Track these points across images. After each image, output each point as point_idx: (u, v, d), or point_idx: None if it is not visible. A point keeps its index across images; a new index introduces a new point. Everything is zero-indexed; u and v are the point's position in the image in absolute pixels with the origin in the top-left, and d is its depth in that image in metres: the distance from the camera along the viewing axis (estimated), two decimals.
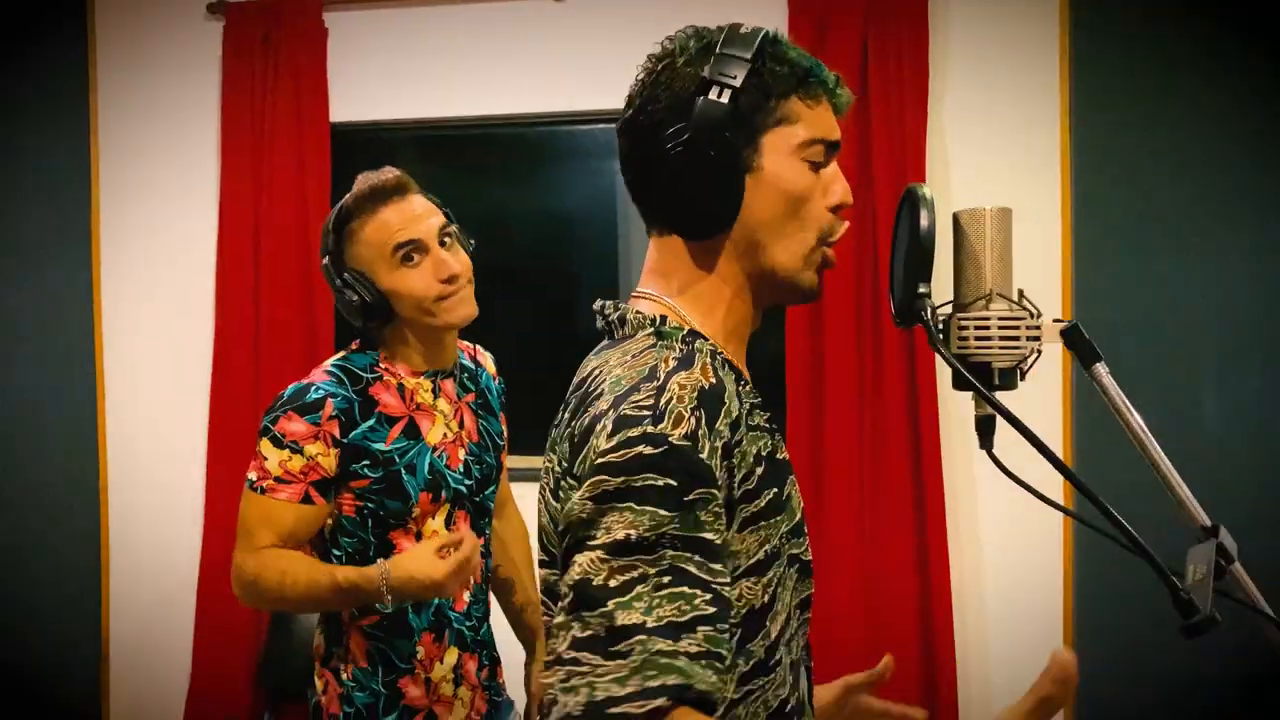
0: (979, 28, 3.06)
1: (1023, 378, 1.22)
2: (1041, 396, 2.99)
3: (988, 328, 1.17)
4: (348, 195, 1.93)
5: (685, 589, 0.94)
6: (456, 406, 1.99)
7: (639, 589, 0.93)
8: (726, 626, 0.95)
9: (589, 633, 0.93)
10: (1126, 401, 1.23)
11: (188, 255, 3.44)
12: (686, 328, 1.15)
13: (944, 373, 2.84)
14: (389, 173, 1.93)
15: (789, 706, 1.12)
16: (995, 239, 1.19)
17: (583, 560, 0.96)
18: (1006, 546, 3.07)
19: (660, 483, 0.96)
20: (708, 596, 0.94)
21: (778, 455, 1.14)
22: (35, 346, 3.55)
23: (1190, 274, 2.99)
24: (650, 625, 0.91)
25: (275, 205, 3.29)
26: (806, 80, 1.17)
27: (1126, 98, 3.01)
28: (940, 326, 1.19)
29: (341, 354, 1.99)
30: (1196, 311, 2.98)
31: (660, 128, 1.13)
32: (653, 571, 0.94)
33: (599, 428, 1.01)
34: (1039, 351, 1.20)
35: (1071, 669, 1.06)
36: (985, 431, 1.22)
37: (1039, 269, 3.03)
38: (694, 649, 0.91)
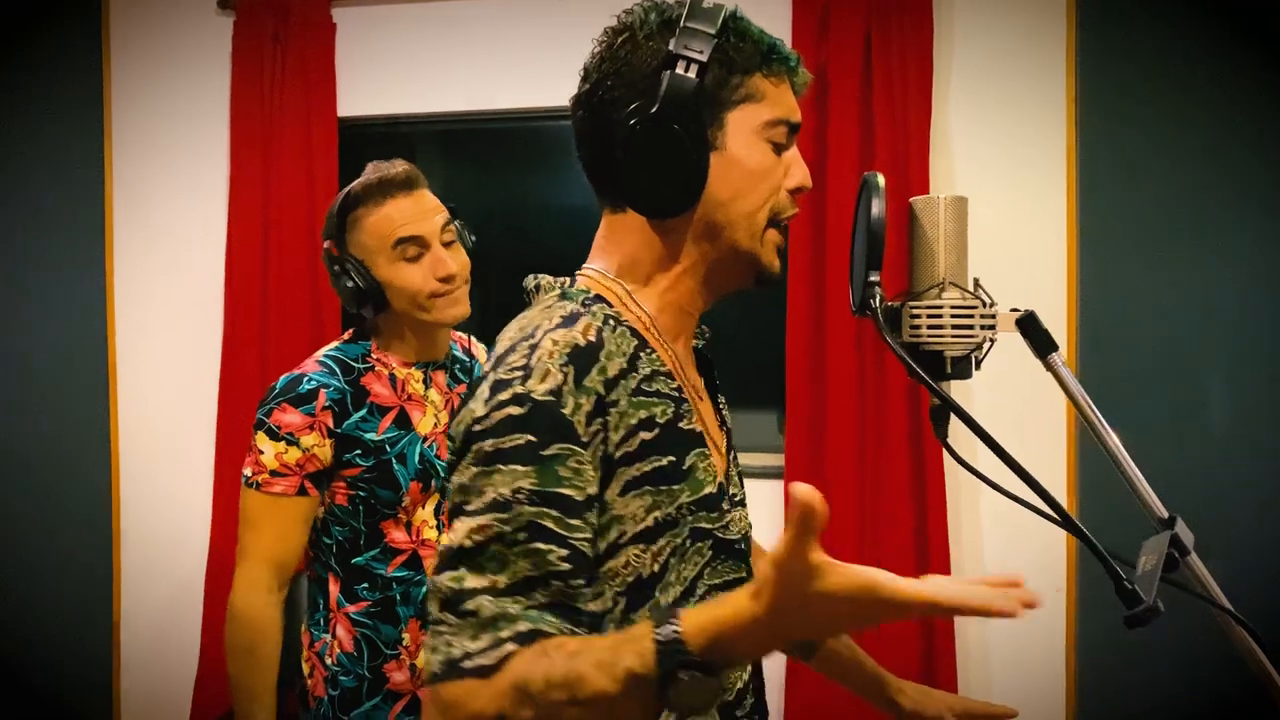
0: (984, 19, 3.04)
1: (978, 367, 1.22)
2: (1047, 390, 2.97)
3: (940, 316, 1.17)
4: (356, 182, 1.95)
5: (540, 545, 0.96)
6: (447, 397, 2.00)
7: (494, 548, 0.96)
8: (582, 582, 0.98)
9: (443, 595, 0.96)
10: (1083, 392, 1.22)
11: (198, 248, 3.47)
12: (594, 291, 1.14)
13: None
14: (399, 165, 1.95)
15: None
16: (949, 227, 1.19)
17: (455, 526, 0.99)
18: (1009, 547, 3.05)
19: (523, 440, 0.98)
20: (564, 553, 0.97)
21: (681, 424, 1.11)
22: (48, 338, 3.60)
23: (1198, 270, 2.95)
24: (503, 584, 0.95)
25: (284, 198, 3.32)
26: (769, 57, 1.15)
27: (1134, 91, 2.97)
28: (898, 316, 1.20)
29: (335, 344, 2.00)
30: (1204, 307, 2.94)
31: (620, 104, 1.12)
32: (509, 529, 0.96)
33: (478, 392, 1.03)
34: (993, 340, 1.20)
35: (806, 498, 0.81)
36: (940, 421, 1.22)
37: (1045, 264, 3.00)
38: (544, 599, 0.95)
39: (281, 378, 1.92)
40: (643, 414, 1.06)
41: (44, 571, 3.62)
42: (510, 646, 0.92)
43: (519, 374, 1.01)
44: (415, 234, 1.89)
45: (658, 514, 1.06)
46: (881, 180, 1.17)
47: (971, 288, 1.20)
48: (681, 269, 1.17)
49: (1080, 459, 2.96)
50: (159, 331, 3.53)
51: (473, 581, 0.96)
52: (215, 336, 3.41)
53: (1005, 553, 3.05)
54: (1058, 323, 2.97)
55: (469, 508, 0.98)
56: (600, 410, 1.02)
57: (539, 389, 0.99)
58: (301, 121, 3.32)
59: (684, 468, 1.09)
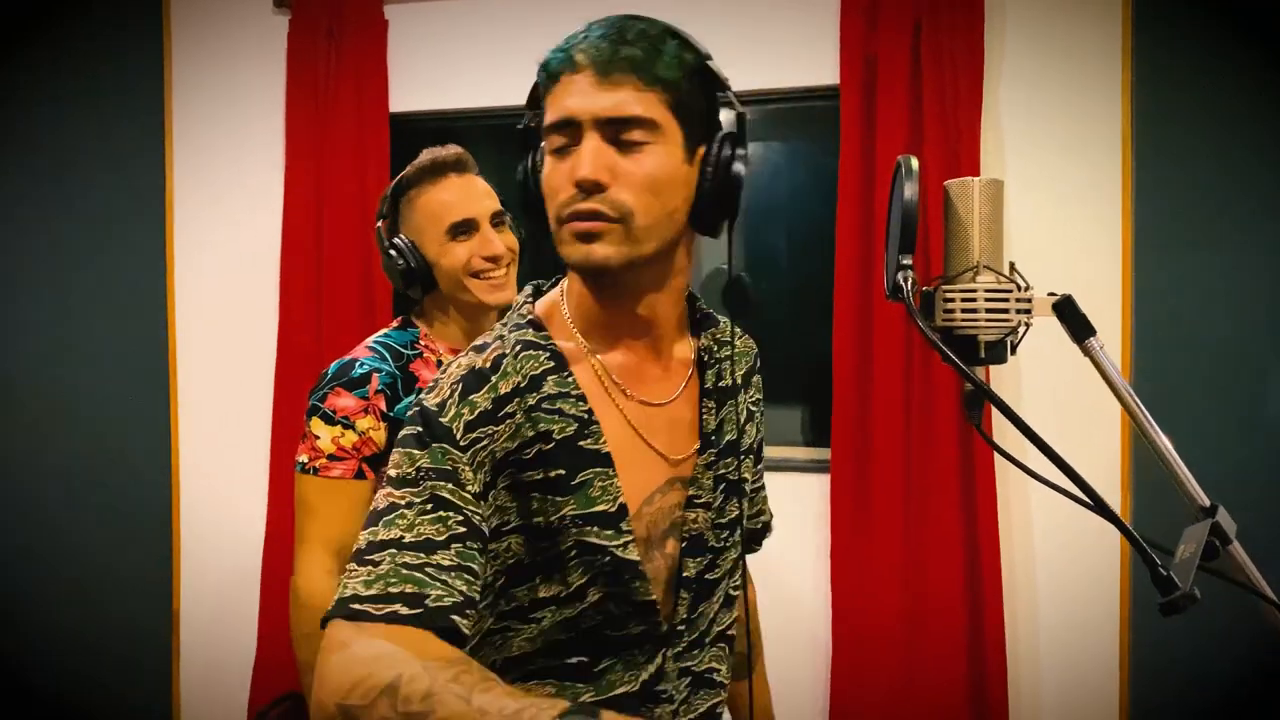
0: (1037, 5, 2.99)
1: (1013, 351, 1.20)
2: (1098, 380, 2.92)
3: (974, 300, 1.16)
4: (410, 165, 1.99)
5: (442, 512, 1.10)
6: None
7: (404, 511, 1.09)
8: (478, 545, 1.10)
9: (358, 548, 1.09)
10: (1122, 379, 1.20)
11: (254, 242, 3.54)
12: (530, 315, 1.25)
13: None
14: (452, 149, 1.99)
15: (531, 665, 1.21)
16: (984, 210, 1.18)
17: (378, 495, 1.15)
18: (1061, 541, 3.00)
19: (414, 431, 1.14)
20: (460, 518, 1.10)
21: (582, 443, 1.19)
22: (109, 334, 3.68)
23: (1253, 261, 2.88)
24: (406, 541, 1.07)
25: (337, 193, 3.36)
26: (544, 72, 1.20)
27: (1191, 79, 2.91)
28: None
29: (384, 331, 2.03)
30: (1260, 298, 2.87)
31: None
32: (418, 500, 1.10)
33: None
34: (1028, 324, 1.18)
35: None
36: (972, 406, 1.21)
37: (1100, 255, 2.95)
38: (448, 562, 1.07)
39: (332, 364, 1.95)
40: (541, 428, 1.17)
41: (104, 560, 3.71)
42: (398, 607, 1.02)
43: (433, 388, 1.18)
44: (467, 217, 1.93)
45: (540, 519, 1.17)
46: (915, 163, 1.16)
47: (1007, 271, 1.18)
48: (567, 277, 1.28)
49: (1135, 448, 2.91)
50: (216, 324, 3.60)
51: (382, 535, 1.08)
52: (271, 329, 3.47)
53: (1057, 547, 3.00)
54: (1112, 313, 2.92)
55: (389, 480, 1.13)
56: (486, 420, 1.14)
57: (430, 400, 1.16)
58: (354, 117, 3.35)
59: (574, 483, 1.18)
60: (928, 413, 2.97)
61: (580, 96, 1.14)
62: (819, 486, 3.12)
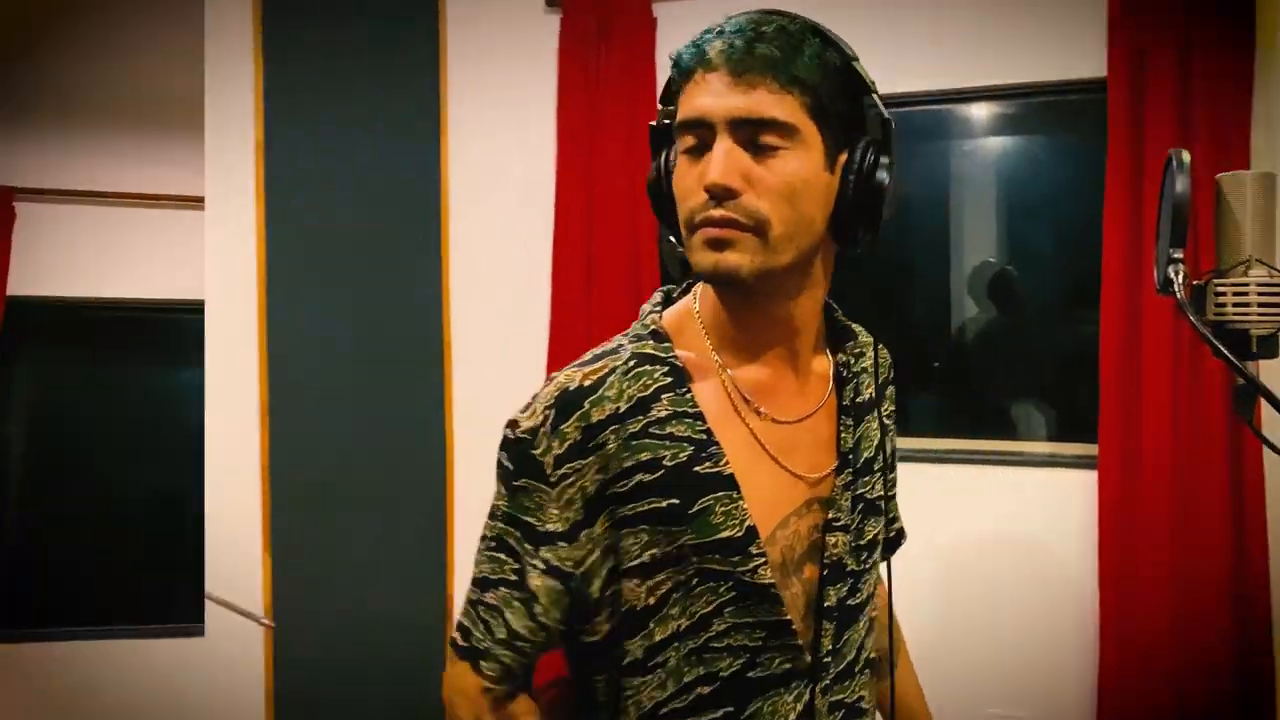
0: None
1: None
2: None
3: (1246, 294, 1.17)
4: None
5: (501, 555, 1.14)
6: None
7: (480, 546, 1.17)
8: (526, 596, 1.12)
9: None
10: None
11: (528, 240, 3.63)
12: (654, 326, 1.21)
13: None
14: None
15: (665, 710, 1.15)
16: (1256, 204, 1.18)
17: None
18: None
19: (505, 465, 1.14)
20: (515, 566, 1.13)
21: (698, 468, 1.12)
22: (387, 336, 3.70)
23: None
24: (475, 577, 1.17)
25: (606, 190, 3.46)
26: (677, 66, 1.16)
27: None
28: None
29: None
30: None
31: None
32: (488, 535, 1.16)
33: None
34: None
35: None
36: (1243, 401, 1.21)
37: None
38: (491, 601, 1.14)
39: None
40: (643, 456, 1.11)
41: (379, 552, 3.67)
42: (455, 634, 1.19)
43: (528, 404, 1.15)
44: None
45: (655, 551, 1.11)
46: (1187, 157, 1.18)
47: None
48: (701, 285, 1.24)
49: None
50: (490, 317, 3.70)
51: (473, 573, 1.19)
52: (543, 323, 3.59)
53: None
54: None
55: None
56: (575, 454, 1.10)
57: (524, 425, 1.13)
58: (624, 114, 3.43)
59: (691, 511, 1.11)
60: (1196, 409, 2.89)
61: (713, 96, 1.08)
62: (1084, 482, 3.08)
